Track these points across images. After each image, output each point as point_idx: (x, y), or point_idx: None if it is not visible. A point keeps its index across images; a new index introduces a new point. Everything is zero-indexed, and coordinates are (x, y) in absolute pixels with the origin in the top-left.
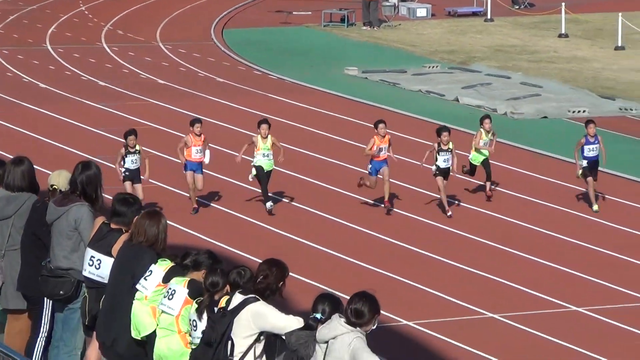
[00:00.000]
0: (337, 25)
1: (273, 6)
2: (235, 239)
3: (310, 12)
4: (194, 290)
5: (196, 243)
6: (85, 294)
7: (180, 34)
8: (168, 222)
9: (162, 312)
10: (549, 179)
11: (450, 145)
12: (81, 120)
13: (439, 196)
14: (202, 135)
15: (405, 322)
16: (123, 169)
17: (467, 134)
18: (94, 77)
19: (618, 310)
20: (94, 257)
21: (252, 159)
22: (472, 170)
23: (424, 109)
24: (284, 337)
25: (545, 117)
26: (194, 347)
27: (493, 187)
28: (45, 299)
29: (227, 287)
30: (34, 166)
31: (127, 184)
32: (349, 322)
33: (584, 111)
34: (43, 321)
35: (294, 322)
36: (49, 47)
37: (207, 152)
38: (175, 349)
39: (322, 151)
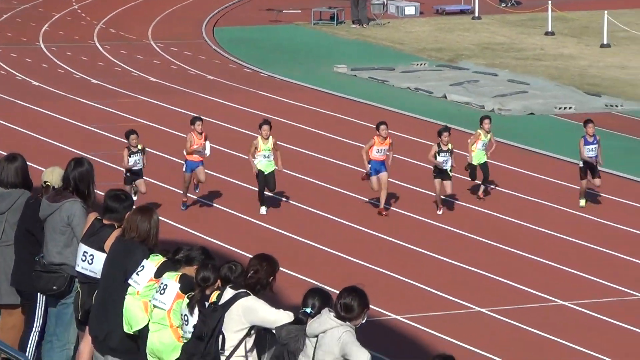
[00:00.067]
0: (326, 23)
1: (263, 4)
2: (227, 234)
3: (300, 11)
4: (186, 285)
5: (191, 240)
6: (78, 289)
7: (172, 32)
8: (160, 218)
9: (154, 306)
10: (536, 175)
11: (450, 146)
12: (74, 118)
13: (433, 194)
14: (203, 134)
15: (394, 316)
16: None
17: (454, 131)
18: (86, 75)
19: (604, 304)
20: (86, 253)
21: (250, 159)
22: (472, 173)
23: (412, 106)
24: (274, 332)
25: (532, 113)
26: (185, 341)
27: (490, 187)
28: (39, 294)
29: (219, 282)
30: (28, 163)
31: (128, 187)
32: (338, 317)
33: (570, 107)
34: (36, 316)
35: (284, 317)
36: (42, 46)
37: (207, 143)
38: (167, 343)
39: (311, 148)
